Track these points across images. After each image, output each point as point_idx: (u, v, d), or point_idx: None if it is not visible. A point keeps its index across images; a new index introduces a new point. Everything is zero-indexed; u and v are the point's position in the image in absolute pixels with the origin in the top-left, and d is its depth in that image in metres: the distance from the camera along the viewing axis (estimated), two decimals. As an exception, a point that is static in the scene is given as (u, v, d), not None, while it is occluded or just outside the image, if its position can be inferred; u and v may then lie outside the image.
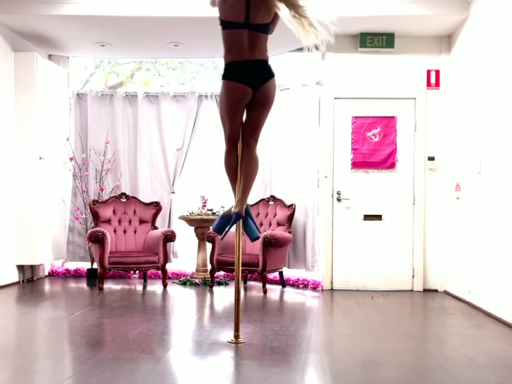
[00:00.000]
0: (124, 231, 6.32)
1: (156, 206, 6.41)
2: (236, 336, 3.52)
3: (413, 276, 5.81)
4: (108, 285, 5.92)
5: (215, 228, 3.55)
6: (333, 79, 5.88)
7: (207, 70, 10.24)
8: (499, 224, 4.38)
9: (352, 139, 5.88)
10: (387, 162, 5.85)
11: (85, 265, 6.70)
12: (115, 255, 5.80)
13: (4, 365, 2.97)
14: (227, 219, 3.48)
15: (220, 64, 10.31)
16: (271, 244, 5.50)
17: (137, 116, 6.75)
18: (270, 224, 6.15)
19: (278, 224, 6.06)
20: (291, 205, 6.04)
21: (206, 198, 6.32)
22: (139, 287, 5.90)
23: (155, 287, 5.93)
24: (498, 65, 4.49)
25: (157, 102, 6.78)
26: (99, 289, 5.63)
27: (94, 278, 6.33)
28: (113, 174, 6.76)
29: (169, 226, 6.63)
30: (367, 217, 5.87)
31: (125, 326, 3.97)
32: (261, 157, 6.53)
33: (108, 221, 6.28)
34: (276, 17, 3.27)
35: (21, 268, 5.99)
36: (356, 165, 5.87)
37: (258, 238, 3.52)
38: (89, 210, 6.35)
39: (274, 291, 5.77)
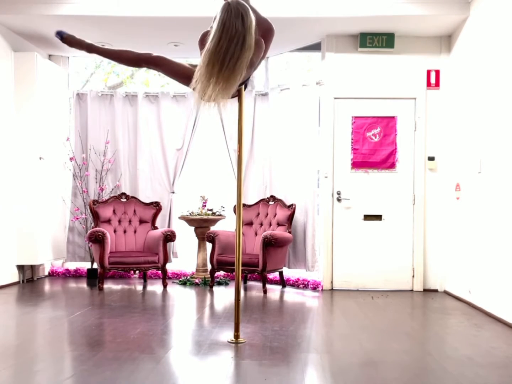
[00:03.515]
0: (124, 231, 6.32)
1: (156, 206, 6.41)
2: (236, 336, 3.52)
3: (413, 276, 5.81)
4: (108, 285, 5.92)
5: None
6: (333, 79, 5.88)
7: (207, 70, 10.20)
8: (499, 224, 4.38)
9: (352, 139, 5.88)
10: (387, 162, 5.85)
11: (85, 265, 6.71)
12: (115, 255, 5.80)
13: (4, 365, 2.97)
14: None
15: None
16: (271, 244, 5.50)
17: (137, 116, 6.75)
18: (270, 224, 6.15)
19: (278, 224, 6.06)
20: (291, 205, 6.04)
21: (206, 198, 6.32)
22: (139, 287, 5.90)
23: (155, 287, 5.93)
24: (498, 65, 4.49)
25: (157, 102, 6.78)
26: (99, 289, 5.63)
27: (94, 278, 6.34)
28: (113, 174, 6.76)
29: (169, 226, 6.63)
30: (367, 217, 5.87)
31: (125, 326, 3.97)
32: (261, 157, 6.57)
33: (108, 221, 6.28)
34: None
35: (21, 268, 5.99)
36: (356, 165, 5.87)
37: None
38: (89, 210, 6.35)
39: (274, 291, 5.77)
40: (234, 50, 2.88)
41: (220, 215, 6.29)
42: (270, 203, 6.27)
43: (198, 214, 6.20)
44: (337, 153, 5.89)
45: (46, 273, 6.64)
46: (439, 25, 5.51)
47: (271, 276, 6.24)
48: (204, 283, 5.97)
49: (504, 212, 4.29)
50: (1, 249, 5.67)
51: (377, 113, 5.87)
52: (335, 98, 5.89)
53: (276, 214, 6.14)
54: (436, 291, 5.81)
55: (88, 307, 4.70)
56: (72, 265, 6.81)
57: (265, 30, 3.16)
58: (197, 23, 5.54)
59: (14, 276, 5.91)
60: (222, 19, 2.92)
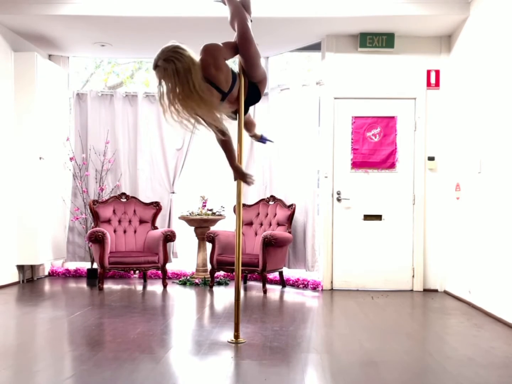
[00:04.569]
0: (124, 231, 6.32)
1: (156, 206, 6.41)
2: (236, 336, 3.52)
3: (413, 276, 5.81)
4: (108, 285, 5.92)
5: None
6: (333, 79, 5.88)
7: (207, 70, 10.19)
8: (499, 224, 4.38)
9: (352, 139, 5.88)
10: (387, 162, 5.85)
11: (85, 265, 6.70)
12: (115, 255, 5.80)
13: (4, 365, 2.97)
14: None
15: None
16: (271, 244, 5.50)
17: (137, 116, 6.75)
18: (270, 224, 6.15)
19: (278, 224, 6.06)
20: (291, 205, 6.04)
21: (206, 198, 6.32)
22: (139, 287, 5.90)
23: (155, 287, 5.93)
24: (498, 65, 4.49)
25: (157, 102, 6.76)
26: (99, 289, 5.63)
27: (94, 278, 6.34)
28: (113, 174, 6.76)
29: (169, 226, 6.63)
30: (367, 217, 5.87)
31: (125, 326, 3.97)
32: (261, 157, 6.56)
33: (108, 221, 6.28)
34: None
35: (21, 268, 5.99)
36: (356, 165, 5.87)
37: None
38: (89, 210, 6.35)
39: (274, 291, 5.77)
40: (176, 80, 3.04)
41: (220, 215, 6.29)
42: (270, 203, 6.27)
43: (198, 214, 6.20)
44: (337, 153, 5.89)
45: (46, 273, 6.64)
46: (439, 25, 5.51)
47: (271, 276, 6.24)
48: (204, 283, 5.97)
49: (504, 212, 4.29)
50: (1, 249, 5.67)
51: (377, 113, 5.87)
52: (335, 98, 5.89)
53: (276, 214, 6.14)
54: (436, 291, 5.81)
55: (88, 307, 4.70)
56: (72, 265, 6.81)
57: (239, 37, 3.31)
58: (197, 23, 5.55)
59: (14, 276, 5.91)
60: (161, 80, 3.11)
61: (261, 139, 4.11)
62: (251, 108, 3.89)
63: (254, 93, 3.47)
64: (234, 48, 3.35)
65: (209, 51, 3.20)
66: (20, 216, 5.91)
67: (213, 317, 4.44)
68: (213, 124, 3.16)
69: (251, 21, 3.50)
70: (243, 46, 3.30)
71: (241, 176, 3.48)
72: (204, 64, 3.14)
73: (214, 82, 3.16)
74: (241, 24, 3.29)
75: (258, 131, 4.10)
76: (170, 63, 2.99)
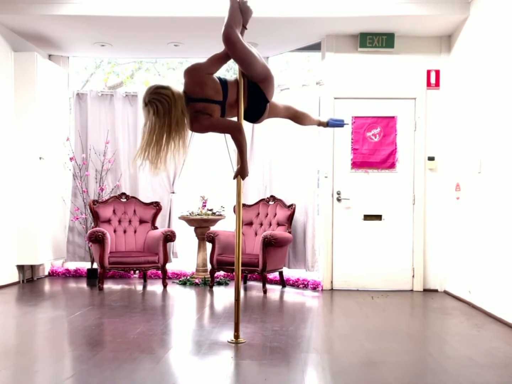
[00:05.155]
0: (124, 231, 6.32)
1: (156, 206, 6.41)
2: (236, 336, 3.52)
3: (413, 276, 5.81)
4: (108, 285, 5.92)
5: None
6: (333, 79, 5.88)
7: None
8: (499, 224, 4.38)
9: (352, 139, 5.88)
10: (387, 162, 5.85)
11: (85, 265, 6.71)
12: (115, 255, 5.80)
13: (4, 365, 2.97)
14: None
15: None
16: (271, 244, 5.50)
17: (137, 116, 6.75)
18: (270, 224, 6.15)
19: (278, 224, 6.06)
20: (291, 205, 6.04)
21: (206, 198, 6.32)
22: (139, 287, 5.90)
23: (155, 287, 5.93)
24: (498, 65, 4.49)
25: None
26: (99, 289, 5.63)
27: (94, 278, 6.34)
28: (113, 174, 6.75)
29: (169, 226, 6.63)
30: (367, 217, 5.87)
31: (125, 326, 3.97)
32: (261, 157, 6.56)
33: (108, 221, 6.28)
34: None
35: (21, 268, 5.99)
36: (356, 165, 5.87)
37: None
38: (89, 210, 6.35)
39: (274, 291, 5.77)
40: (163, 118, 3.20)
41: (220, 215, 6.29)
42: (270, 203, 6.27)
43: (198, 214, 6.20)
44: (337, 153, 5.89)
45: (46, 273, 6.64)
46: (439, 25, 5.51)
47: (271, 276, 6.24)
48: (204, 283, 5.97)
49: (504, 212, 4.29)
50: (1, 249, 5.67)
51: (377, 113, 5.86)
52: (335, 98, 5.89)
53: (276, 214, 6.14)
54: (436, 291, 5.81)
55: (88, 307, 4.70)
56: (72, 265, 6.81)
57: (223, 40, 3.32)
58: (197, 23, 5.55)
59: (14, 276, 5.91)
60: (148, 118, 3.23)
61: (331, 125, 4.05)
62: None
63: (259, 94, 3.46)
64: (221, 58, 3.41)
65: (189, 73, 3.35)
66: (20, 216, 5.91)
67: (213, 317, 4.44)
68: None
69: (246, 28, 3.48)
70: (228, 48, 3.34)
71: (242, 173, 3.49)
72: (188, 87, 3.31)
73: (204, 97, 3.29)
74: (225, 27, 3.30)
75: (322, 118, 4.09)
76: (153, 105, 3.19)
